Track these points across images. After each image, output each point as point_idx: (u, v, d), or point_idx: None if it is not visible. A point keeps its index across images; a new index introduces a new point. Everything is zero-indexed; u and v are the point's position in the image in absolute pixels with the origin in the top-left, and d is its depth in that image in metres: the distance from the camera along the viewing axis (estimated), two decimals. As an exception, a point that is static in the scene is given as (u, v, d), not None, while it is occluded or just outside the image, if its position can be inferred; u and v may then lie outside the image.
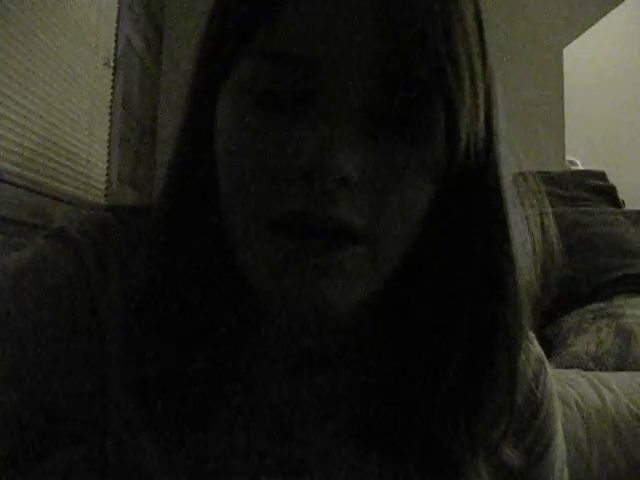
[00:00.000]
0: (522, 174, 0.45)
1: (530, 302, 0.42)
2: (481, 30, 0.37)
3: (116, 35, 2.05)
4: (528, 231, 0.43)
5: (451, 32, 0.34)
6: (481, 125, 0.37)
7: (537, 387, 0.47)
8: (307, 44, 0.33)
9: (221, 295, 0.40)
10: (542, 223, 0.45)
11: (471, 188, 0.38)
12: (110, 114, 2.02)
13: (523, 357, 0.45)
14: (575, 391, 1.00)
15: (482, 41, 0.37)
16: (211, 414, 0.42)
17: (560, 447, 0.50)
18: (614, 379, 1.06)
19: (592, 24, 2.77)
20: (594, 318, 1.35)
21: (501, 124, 0.40)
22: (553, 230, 0.45)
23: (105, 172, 1.99)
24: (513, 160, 0.41)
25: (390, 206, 0.35)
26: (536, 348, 0.49)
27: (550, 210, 0.46)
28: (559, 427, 0.50)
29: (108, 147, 2.01)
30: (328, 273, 0.34)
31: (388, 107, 0.34)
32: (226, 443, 0.43)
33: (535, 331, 0.48)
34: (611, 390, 1.01)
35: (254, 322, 0.43)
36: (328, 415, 0.44)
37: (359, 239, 0.35)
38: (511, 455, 0.43)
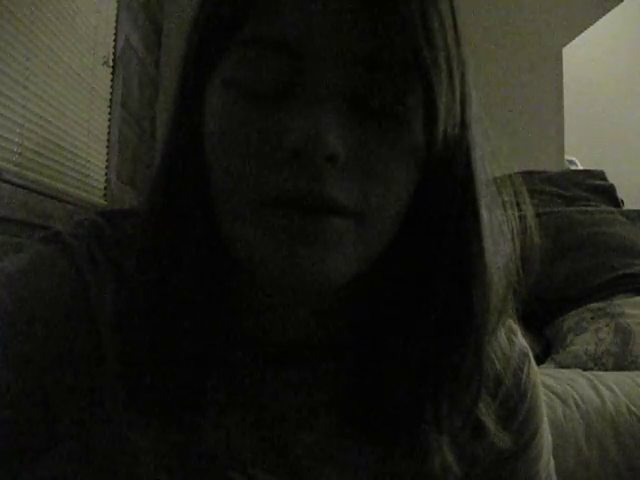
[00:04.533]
0: (509, 175, 0.47)
1: (509, 286, 0.44)
2: (455, 19, 0.39)
3: (115, 35, 2.04)
4: (506, 219, 0.45)
5: (427, 17, 0.36)
6: (457, 109, 0.39)
7: (521, 378, 0.49)
8: (291, 32, 0.35)
9: (212, 290, 0.42)
10: (520, 210, 0.46)
11: (445, 172, 0.40)
12: (109, 114, 2.02)
13: (507, 349, 0.48)
14: (574, 391, 1.00)
15: (456, 29, 0.39)
16: (201, 405, 0.43)
17: (546, 437, 0.51)
18: (613, 379, 1.06)
19: (591, 23, 2.77)
20: (593, 318, 1.36)
21: (475, 111, 0.41)
22: (531, 217, 0.47)
23: (104, 171, 1.98)
24: (489, 145, 0.43)
25: (376, 184, 0.37)
26: (520, 340, 0.51)
27: (530, 204, 0.47)
28: (544, 417, 0.51)
29: (107, 146, 2.01)
30: (317, 242, 0.36)
31: (371, 89, 0.36)
32: (216, 433, 0.44)
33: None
34: (610, 390, 1.01)
35: (244, 314, 0.45)
36: (315, 404, 0.45)
37: (347, 214, 0.36)
38: (502, 437, 0.45)
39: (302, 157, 0.35)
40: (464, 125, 0.40)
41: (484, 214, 0.41)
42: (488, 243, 0.41)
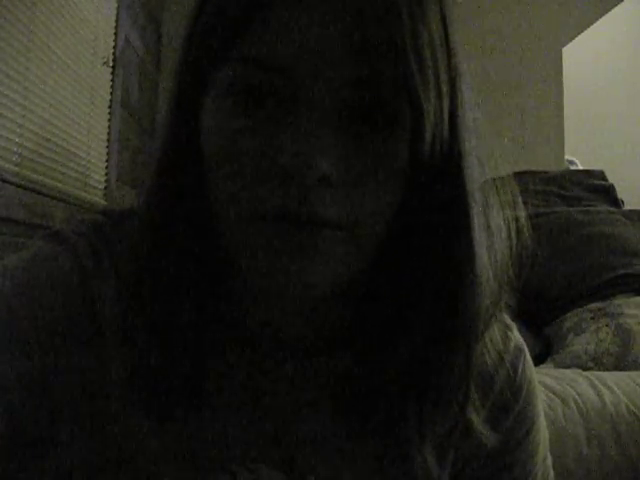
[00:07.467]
0: (501, 178, 0.48)
1: (501, 287, 0.45)
2: (447, 33, 0.40)
3: (115, 34, 2.05)
4: (503, 222, 0.46)
5: (418, 37, 0.36)
6: (445, 122, 0.40)
7: (516, 374, 0.49)
8: (284, 52, 0.36)
9: (210, 287, 0.43)
10: (516, 217, 0.47)
11: (435, 178, 0.40)
12: (109, 113, 2.02)
13: (501, 346, 0.48)
14: (574, 391, 1.00)
15: (447, 44, 0.40)
16: (205, 399, 0.44)
17: (542, 433, 0.52)
18: (613, 379, 1.06)
19: (591, 23, 2.77)
20: (593, 318, 1.35)
21: (469, 121, 0.42)
22: (524, 218, 0.48)
23: (104, 171, 1.99)
24: (485, 154, 0.44)
25: (366, 198, 0.38)
26: (515, 336, 0.51)
27: (522, 207, 0.48)
28: (540, 412, 0.51)
29: (107, 146, 2.01)
30: (308, 253, 0.37)
31: (360, 108, 0.37)
32: (216, 427, 0.45)
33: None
34: (610, 390, 1.01)
35: (244, 310, 0.46)
36: (313, 397, 0.46)
37: (337, 227, 0.38)
38: (487, 435, 0.45)
39: (293, 177, 0.36)
40: (454, 134, 0.41)
41: (476, 218, 0.42)
42: (479, 246, 0.42)
